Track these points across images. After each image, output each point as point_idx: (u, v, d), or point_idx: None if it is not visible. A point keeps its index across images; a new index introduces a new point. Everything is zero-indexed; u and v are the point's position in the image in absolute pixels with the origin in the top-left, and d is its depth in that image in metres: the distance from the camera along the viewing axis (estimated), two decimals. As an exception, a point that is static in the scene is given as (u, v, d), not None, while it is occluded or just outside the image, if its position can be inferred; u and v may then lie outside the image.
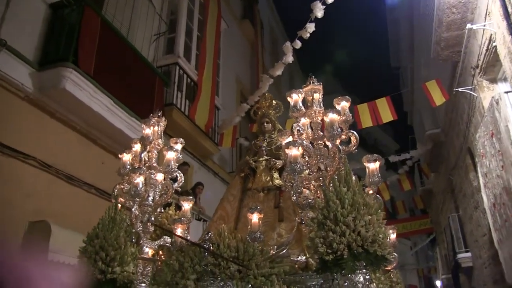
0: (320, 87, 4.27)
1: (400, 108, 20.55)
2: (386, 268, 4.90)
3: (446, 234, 16.95)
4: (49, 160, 6.57)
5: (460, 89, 9.59)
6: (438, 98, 10.80)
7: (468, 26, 8.12)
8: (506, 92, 7.19)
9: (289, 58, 10.49)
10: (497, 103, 6.91)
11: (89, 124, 7.39)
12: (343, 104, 4.24)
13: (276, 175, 5.17)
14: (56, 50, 6.81)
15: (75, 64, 6.67)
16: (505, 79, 8.11)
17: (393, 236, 5.10)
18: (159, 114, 4.71)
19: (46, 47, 6.87)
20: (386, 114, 11.15)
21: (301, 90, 4.29)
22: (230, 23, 14.39)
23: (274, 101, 5.78)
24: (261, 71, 15.88)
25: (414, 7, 14.79)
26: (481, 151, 8.20)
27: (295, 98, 4.25)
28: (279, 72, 10.86)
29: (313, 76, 4.32)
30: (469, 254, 13.41)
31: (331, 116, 3.96)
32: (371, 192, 4.20)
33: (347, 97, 4.26)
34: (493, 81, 8.62)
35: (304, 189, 3.95)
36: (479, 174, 8.64)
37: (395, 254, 4.98)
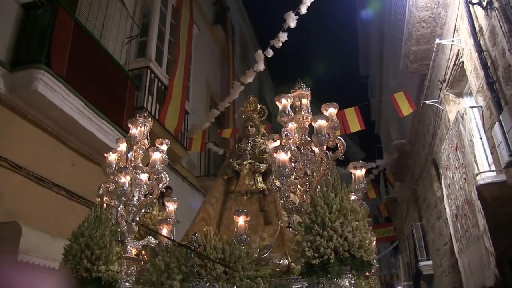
0: (308, 92, 4.33)
1: (367, 117, 20.85)
2: (366, 274, 5.02)
3: (409, 242, 17.22)
4: (20, 161, 6.50)
5: (427, 102, 9.85)
6: (405, 109, 11.02)
7: (437, 41, 8.36)
8: (471, 107, 7.42)
9: (261, 66, 10.55)
10: (462, 117, 7.12)
11: (60, 126, 7.30)
12: (331, 111, 4.25)
13: (259, 179, 5.22)
14: (28, 51, 6.73)
15: (47, 65, 6.59)
16: (470, 94, 8.35)
17: (373, 242, 5.22)
18: (145, 115, 4.77)
19: (18, 47, 6.79)
20: (354, 123, 11.32)
21: (290, 95, 4.33)
22: (201, 28, 14.38)
23: (258, 105, 5.83)
24: (231, 77, 15.92)
25: (385, 19, 15.05)
26: (446, 163, 8.41)
27: (284, 102, 4.29)
28: (250, 79, 10.92)
29: (301, 82, 4.37)
30: (430, 262, 13.67)
31: (319, 122, 4.00)
32: (354, 197, 4.29)
33: (335, 103, 4.29)
34: (459, 95, 8.89)
35: (290, 194, 4.01)
36: (443, 185, 8.85)
37: (375, 260, 5.11)
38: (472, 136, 7.03)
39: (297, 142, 4.16)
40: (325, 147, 4.04)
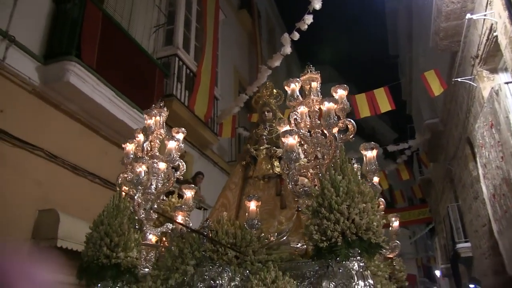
0: (318, 75, 4.33)
1: (398, 98, 20.56)
2: (388, 256, 4.98)
3: (445, 223, 16.99)
4: (55, 151, 6.75)
5: (459, 79, 9.59)
6: (436, 88, 10.83)
7: (468, 16, 8.13)
8: (506, 83, 7.17)
9: (287, 50, 10.49)
10: (497, 93, 6.92)
11: (92, 115, 7.52)
12: (341, 93, 4.22)
13: (276, 163, 5.21)
14: (59, 44, 6.93)
15: (78, 57, 6.79)
16: (505, 69, 8.13)
17: (395, 224, 5.17)
18: (161, 105, 4.82)
19: (50, 41, 7.00)
20: (384, 103, 11.21)
21: (298, 79, 4.33)
22: (227, 13, 14.37)
23: (275, 90, 5.81)
24: (259, 61, 15.88)
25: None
26: (480, 141, 8.22)
27: (292, 87, 4.29)
28: (277, 63, 10.87)
29: (311, 65, 4.36)
30: (468, 244, 13.44)
31: (328, 105, 3.98)
32: (375, 179, 4.24)
33: (345, 85, 4.25)
34: (493, 71, 8.63)
35: (302, 177, 4.02)
36: (479, 165, 8.65)
37: (397, 242, 5.06)
38: (508, 113, 6.81)
39: (308, 126, 4.15)
40: (335, 129, 4.00)
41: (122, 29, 8.28)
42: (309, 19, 9.91)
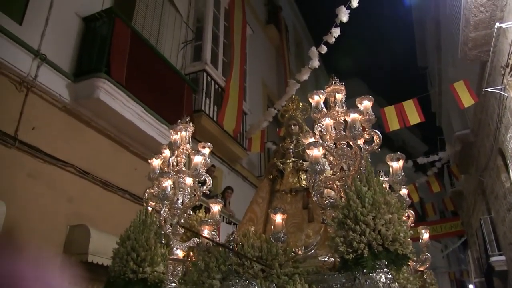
0: (342, 87, 4.32)
1: (428, 109, 20.37)
2: (419, 269, 4.92)
3: (478, 236, 16.69)
4: (86, 167, 6.88)
5: (489, 89, 9.49)
6: (466, 99, 10.70)
7: (497, 25, 8.06)
8: (538, 91, 7.10)
9: (315, 63, 10.53)
10: (529, 102, 6.84)
11: (121, 131, 7.64)
12: (365, 104, 4.22)
13: (303, 176, 5.17)
14: (89, 61, 7.08)
15: (107, 74, 6.90)
16: (536, 78, 8.01)
17: (425, 236, 5.12)
18: (186, 120, 4.86)
19: (80, 58, 7.17)
20: (414, 116, 11.09)
21: (322, 91, 4.33)
22: (255, 28, 14.50)
23: (301, 104, 5.80)
24: (287, 75, 15.96)
25: (440, 7, 14.68)
26: (513, 151, 8.11)
27: (317, 99, 4.30)
28: (305, 77, 10.91)
29: (335, 77, 4.36)
30: (503, 257, 13.21)
31: (353, 116, 3.98)
32: (404, 192, 4.22)
33: (369, 96, 4.25)
34: (524, 80, 8.52)
35: (328, 190, 3.99)
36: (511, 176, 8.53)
37: (428, 254, 5.00)
38: (540, 121, 6.74)
39: (333, 138, 4.14)
40: (361, 141, 4.00)
41: (150, 45, 8.40)
42: (336, 32, 9.94)
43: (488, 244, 14.13)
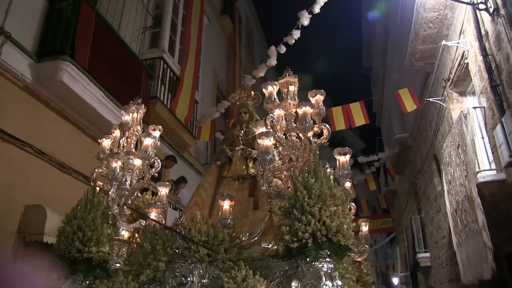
0: (296, 79, 4.39)
1: (369, 109, 21.08)
2: (356, 260, 5.24)
3: (407, 234, 17.52)
4: (43, 148, 6.82)
5: (431, 99, 10.13)
6: (409, 105, 11.30)
7: (443, 42, 8.64)
8: (474, 108, 7.70)
9: (273, 62, 10.73)
10: (465, 117, 7.41)
11: (80, 114, 7.61)
12: (317, 97, 4.30)
13: (251, 164, 5.19)
14: (53, 42, 6.98)
15: (71, 57, 6.86)
16: (473, 93, 8.65)
17: (365, 228, 5.39)
18: (138, 101, 4.78)
19: (44, 39, 7.03)
20: (359, 118, 11.61)
21: (276, 82, 4.38)
22: (210, 18, 14.54)
23: (252, 92, 5.80)
24: (238, 66, 16.19)
25: (390, 16, 15.24)
26: (447, 159, 8.71)
27: (270, 89, 4.36)
28: (262, 73, 11.12)
29: (289, 69, 4.43)
30: (428, 255, 14.01)
31: (304, 109, 4.04)
32: (348, 184, 4.37)
33: (322, 90, 4.33)
34: (463, 94, 9.19)
35: (276, 179, 4.06)
36: (444, 181, 9.12)
37: (366, 246, 5.35)
38: (474, 135, 7.32)
39: (284, 129, 4.19)
40: (310, 133, 4.09)
41: (114, 30, 8.39)
42: (297, 34, 10.19)
43: (416, 241, 14.86)
